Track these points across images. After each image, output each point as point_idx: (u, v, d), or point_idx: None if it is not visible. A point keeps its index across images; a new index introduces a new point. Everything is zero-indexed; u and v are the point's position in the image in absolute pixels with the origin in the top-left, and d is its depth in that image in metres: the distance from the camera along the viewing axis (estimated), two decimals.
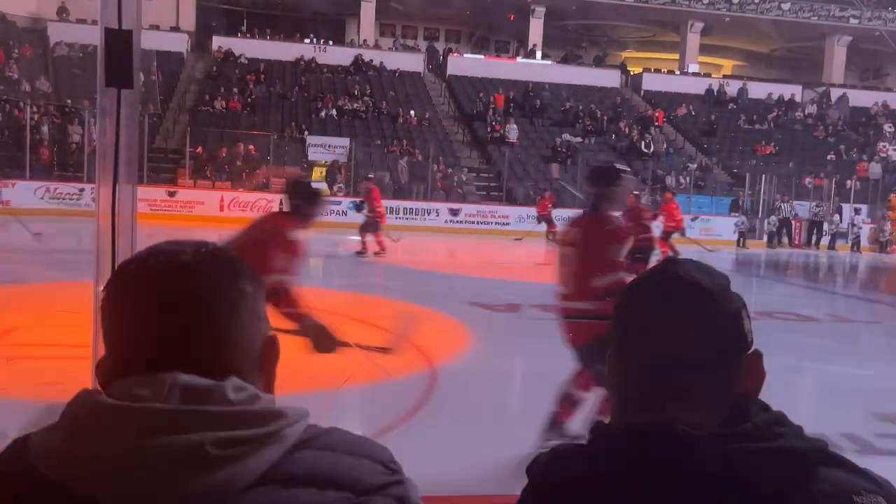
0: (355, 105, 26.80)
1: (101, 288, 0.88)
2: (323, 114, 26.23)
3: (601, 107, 29.65)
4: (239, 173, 22.96)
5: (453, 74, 30.70)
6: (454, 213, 22.89)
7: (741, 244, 23.03)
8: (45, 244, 13.22)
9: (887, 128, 30.71)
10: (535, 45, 32.61)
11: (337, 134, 24.98)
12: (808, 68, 36.43)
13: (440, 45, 34.78)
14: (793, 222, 24.66)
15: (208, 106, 25.50)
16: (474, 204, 23.57)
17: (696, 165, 27.05)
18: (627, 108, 30.60)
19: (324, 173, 22.99)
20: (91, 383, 0.93)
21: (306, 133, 24.73)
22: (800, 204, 24.85)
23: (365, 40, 31.60)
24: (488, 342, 7.14)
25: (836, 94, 32.66)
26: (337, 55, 29.64)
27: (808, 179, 26.27)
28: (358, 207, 15.76)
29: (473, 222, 22.79)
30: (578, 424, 3.88)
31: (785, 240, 24.44)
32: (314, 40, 30.95)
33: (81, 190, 19.71)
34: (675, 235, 14.95)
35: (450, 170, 24.45)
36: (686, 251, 13.66)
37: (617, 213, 4.26)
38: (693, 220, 21.55)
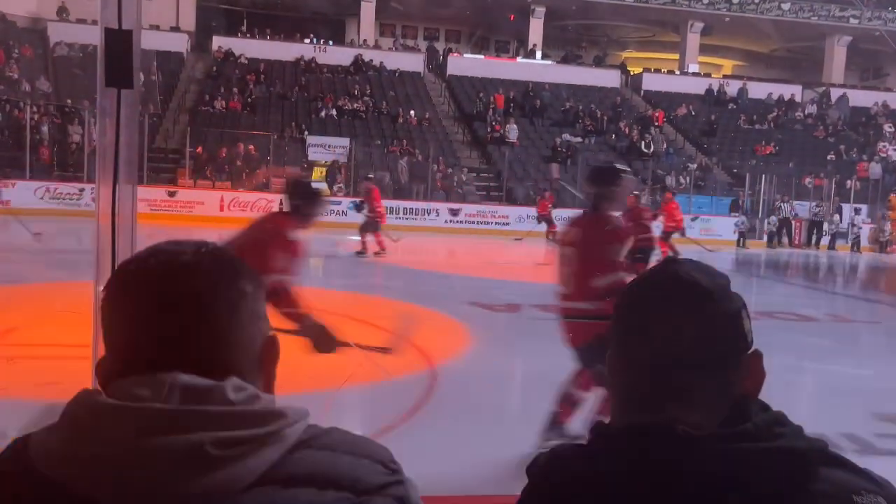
0: (355, 105, 26.80)
1: (101, 288, 0.88)
2: (323, 114, 26.23)
3: (601, 107, 29.66)
4: (239, 173, 22.96)
5: (453, 74, 30.70)
6: (454, 213, 22.89)
7: (741, 244, 23.03)
8: (45, 244, 13.22)
9: (887, 128, 30.71)
10: (535, 45, 32.61)
11: (337, 134, 24.98)
12: (808, 68, 36.43)
13: (440, 45, 34.79)
14: (793, 222, 24.66)
15: (208, 106, 25.50)
16: (474, 204, 23.57)
17: (696, 165, 27.05)
18: (627, 108, 30.61)
19: (324, 173, 23.00)
20: (91, 383, 0.93)
21: (306, 133, 24.73)
22: (800, 204, 24.86)
23: (365, 40, 31.61)
24: (488, 342, 7.14)
25: (836, 94, 32.66)
26: (337, 55, 29.64)
27: (808, 179, 26.27)
28: (358, 207, 15.76)
29: (473, 222, 22.79)
30: (578, 424, 3.88)
31: (785, 240, 24.44)
32: (314, 40, 30.95)
33: (81, 190, 19.71)
34: (676, 235, 14.95)
35: (450, 170, 24.46)
36: (686, 251, 13.66)
37: (617, 213, 4.26)
38: (693, 220, 21.55)
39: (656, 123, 29.12)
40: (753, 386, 0.95)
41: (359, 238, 14.41)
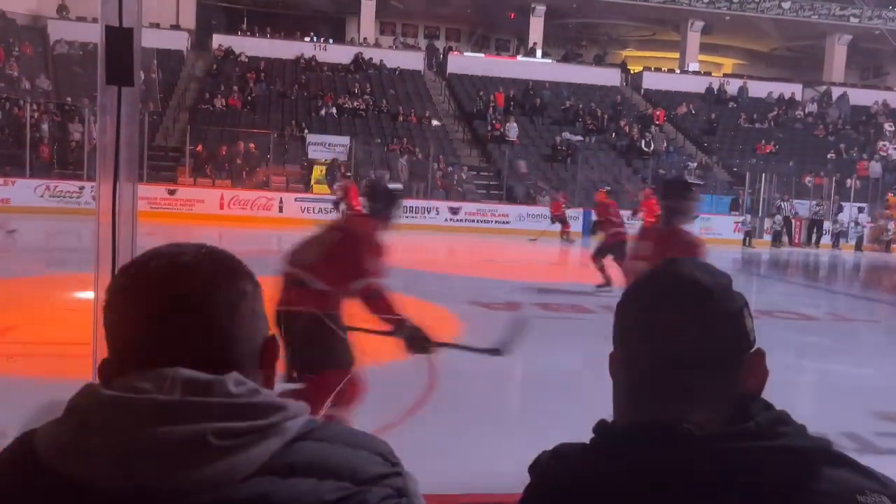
0: (355, 103, 26.79)
1: (102, 286, 0.89)
2: (323, 112, 26.22)
3: (601, 105, 29.65)
4: (239, 171, 22.96)
5: (453, 73, 30.68)
6: (454, 211, 22.88)
7: (747, 243, 23.02)
8: (47, 243, 13.22)
9: (887, 126, 30.71)
10: (535, 44, 32.60)
11: (337, 132, 24.96)
12: (809, 67, 36.42)
13: (440, 44, 34.76)
14: (793, 221, 24.66)
15: (208, 104, 25.49)
16: (474, 202, 23.58)
17: (696, 164, 27.04)
18: (628, 107, 30.59)
19: (324, 171, 23.00)
20: (92, 380, 0.93)
21: (306, 131, 24.72)
22: (799, 203, 24.86)
23: (365, 39, 31.59)
24: (488, 342, 7.12)
25: (836, 92, 32.65)
26: (337, 53, 29.63)
27: (808, 178, 26.27)
28: (336, 205, 15.59)
29: (473, 221, 22.78)
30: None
31: (785, 238, 24.44)
32: (314, 38, 30.94)
33: (81, 188, 19.70)
34: None
35: (450, 168, 24.45)
36: None
37: (687, 225, 4.18)
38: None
39: (656, 122, 29.12)
40: (756, 385, 0.95)
41: None
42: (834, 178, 26.23)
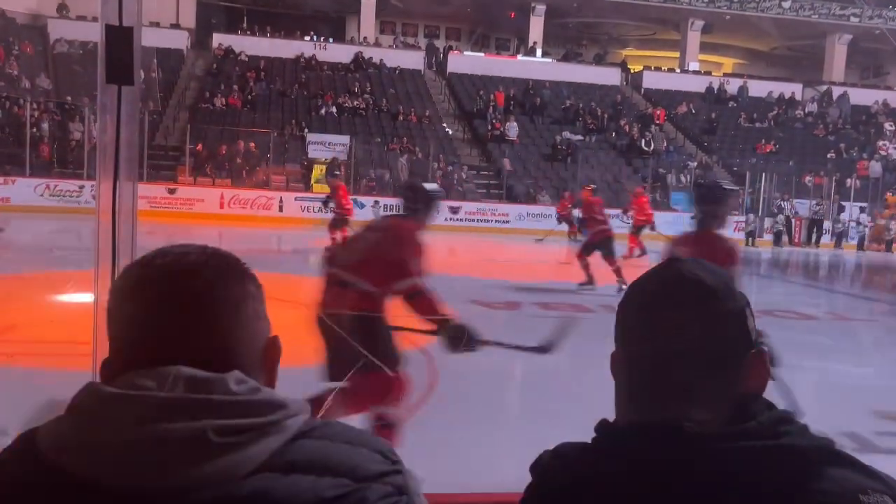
0: (355, 102, 26.79)
1: (102, 284, 0.89)
2: (323, 111, 26.22)
3: (601, 105, 29.65)
4: (239, 171, 22.97)
5: (453, 72, 30.68)
6: (454, 210, 22.88)
7: (750, 243, 23.03)
8: (47, 242, 13.22)
9: (887, 126, 30.72)
10: (535, 43, 32.59)
11: (337, 131, 24.97)
12: (809, 66, 36.42)
13: (440, 43, 34.76)
14: (793, 221, 24.67)
15: (208, 103, 25.49)
16: (474, 202, 23.58)
17: (696, 163, 27.06)
18: (628, 106, 30.60)
19: (324, 171, 23.00)
20: (92, 379, 0.94)
21: (306, 130, 24.73)
22: (799, 202, 24.86)
23: (365, 38, 31.59)
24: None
25: (836, 92, 32.66)
26: (337, 53, 29.63)
27: (808, 178, 26.28)
28: (325, 203, 15.61)
29: (473, 220, 22.78)
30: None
31: (785, 238, 24.45)
32: (314, 38, 30.94)
33: (81, 187, 19.71)
34: (645, 230, 15.01)
35: (450, 168, 24.45)
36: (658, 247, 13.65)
37: (721, 231, 4.13)
38: (693, 217, 21.53)
39: (657, 121, 29.13)
40: (757, 384, 0.95)
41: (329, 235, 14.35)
42: (834, 178, 26.24)
